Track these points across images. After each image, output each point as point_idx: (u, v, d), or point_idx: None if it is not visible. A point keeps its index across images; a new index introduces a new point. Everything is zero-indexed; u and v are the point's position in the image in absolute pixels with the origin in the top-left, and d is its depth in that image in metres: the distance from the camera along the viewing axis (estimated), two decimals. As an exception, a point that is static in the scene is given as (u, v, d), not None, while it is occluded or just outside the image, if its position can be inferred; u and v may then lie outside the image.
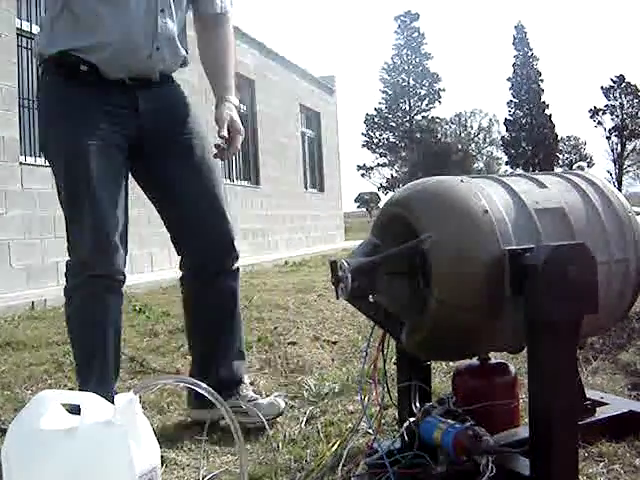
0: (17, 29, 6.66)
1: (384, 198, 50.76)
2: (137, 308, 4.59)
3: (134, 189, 2.21)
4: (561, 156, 55.59)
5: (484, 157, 59.01)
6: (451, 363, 2.48)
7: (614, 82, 52.42)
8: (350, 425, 2.09)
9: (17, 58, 6.61)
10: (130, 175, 2.15)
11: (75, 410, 1.34)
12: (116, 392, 1.98)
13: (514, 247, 1.53)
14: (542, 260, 1.45)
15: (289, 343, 3.40)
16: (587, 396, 1.94)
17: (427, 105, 56.04)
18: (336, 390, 2.55)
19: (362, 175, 58.44)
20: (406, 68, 55.41)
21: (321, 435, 2.05)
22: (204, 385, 1.36)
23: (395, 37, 55.82)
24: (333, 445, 1.88)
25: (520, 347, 1.73)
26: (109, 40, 1.98)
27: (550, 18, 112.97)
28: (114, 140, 2.04)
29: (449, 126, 59.55)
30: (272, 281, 6.81)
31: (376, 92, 56.57)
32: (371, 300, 1.67)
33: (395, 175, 56.16)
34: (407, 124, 56.10)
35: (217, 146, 2.12)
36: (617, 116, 52.34)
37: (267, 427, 2.11)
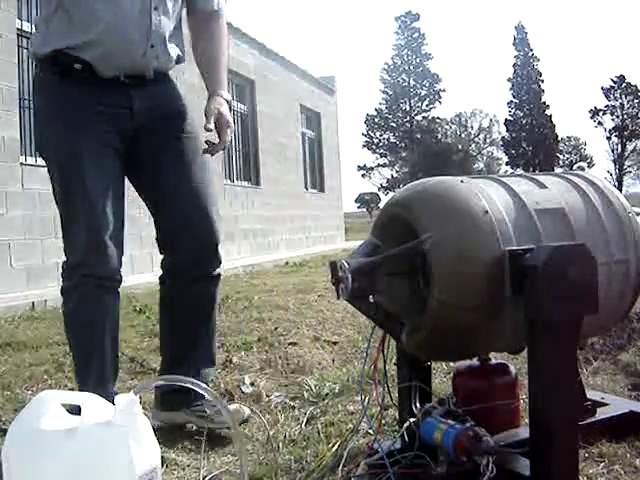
0: (17, 29, 6.66)
1: (384, 198, 50.73)
2: (137, 308, 4.59)
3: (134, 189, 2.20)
4: (561, 156, 55.59)
5: (484, 157, 59.02)
6: (451, 363, 2.48)
7: (614, 82, 52.43)
8: (350, 425, 2.09)
9: (17, 58, 6.61)
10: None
11: (75, 410, 1.34)
12: (116, 392, 1.98)
13: (514, 247, 1.53)
14: (542, 260, 1.45)
15: (289, 343, 3.40)
16: (587, 396, 1.94)
17: (427, 105, 56.08)
18: (336, 390, 2.55)
19: (362, 175, 58.51)
20: (406, 68, 55.43)
21: (321, 435, 2.05)
22: (204, 386, 1.36)
23: (395, 37, 55.91)
24: (333, 445, 1.88)
25: (520, 347, 1.73)
26: (103, 38, 1.97)
27: (550, 18, 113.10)
28: (109, 140, 2.04)
29: (449, 126, 59.58)
30: (272, 281, 6.81)
31: (376, 92, 56.74)
32: (371, 300, 1.67)
33: (395, 175, 56.18)
34: (407, 124, 56.12)
35: (207, 142, 2.12)
36: (617, 116, 52.34)
37: (267, 427, 2.11)
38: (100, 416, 1.32)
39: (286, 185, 13.73)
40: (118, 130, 2.05)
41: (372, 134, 57.09)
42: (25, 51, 6.72)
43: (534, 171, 41.63)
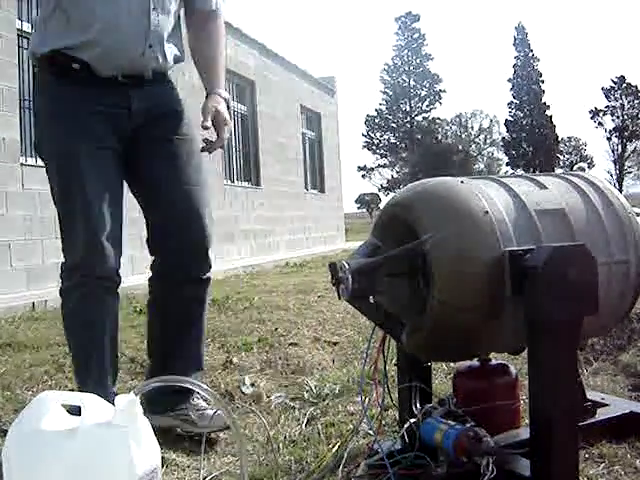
0: (17, 30, 6.66)
1: (385, 199, 50.78)
2: (137, 309, 4.59)
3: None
4: (562, 157, 55.57)
5: (485, 158, 59.01)
6: (452, 364, 2.48)
7: (615, 83, 52.42)
8: (351, 426, 2.09)
9: (17, 59, 6.61)
10: None
11: (75, 411, 1.34)
12: (116, 393, 1.98)
13: (514, 248, 1.53)
14: (542, 261, 1.45)
15: (290, 344, 3.40)
16: (588, 397, 1.94)
17: (428, 106, 56.07)
18: (337, 391, 2.55)
19: (363, 176, 58.51)
20: (407, 69, 55.43)
21: (322, 436, 2.05)
22: (204, 386, 1.36)
23: (396, 38, 55.89)
24: (334, 446, 1.88)
25: (520, 348, 1.73)
26: (101, 38, 1.97)
27: (550, 19, 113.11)
28: (107, 140, 2.03)
29: (450, 127, 59.59)
30: (272, 282, 6.81)
31: (377, 93, 56.78)
32: (372, 301, 1.67)
33: (396, 176, 56.17)
34: (408, 125, 56.12)
35: (204, 140, 2.12)
36: (618, 117, 52.34)
37: (267, 427, 2.11)
38: (100, 416, 1.32)
39: (286, 185, 13.73)
40: (116, 130, 2.05)
41: (372, 135, 57.10)
42: (25, 51, 6.72)
43: (534, 172, 41.65)
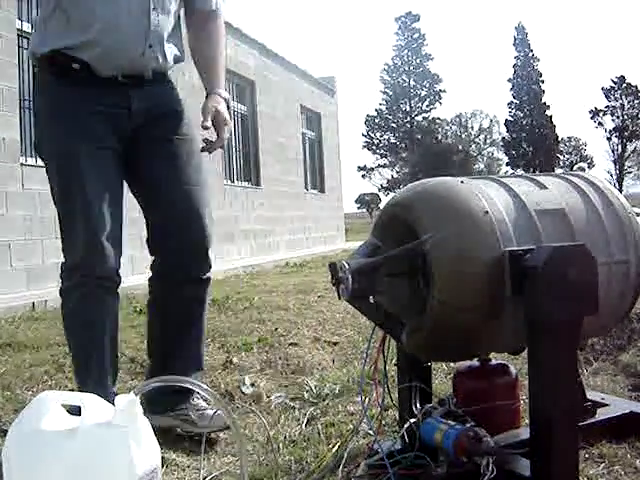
0: (17, 30, 6.66)
1: (385, 199, 50.77)
2: (137, 309, 4.59)
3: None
4: (562, 157, 55.57)
5: (485, 158, 59.01)
6: (452, 364, 2.48)
7: (615, 83, 52.42)
8: (351, 426, 2.09)
9: (17, 59, 6.61)
10: None
11: (75, 411, 1.34)
12: (116, 393, 1.98)
13: (514, 248, 1.53)
14: (542, 261, 1.45)
15: (290, 344, 3.40)
16: (588, 397, 1.94)
17: (428, 106, 56.07)
18: (336, 391, 2.55)
19: (363, 176, 58.51)
20: (407, 69, 55.43)
21: (322, 436, 2.05)
22: (204, 386, 1.36)
23: (396, 38, 55.89)
24: (334, 446, 1.88)
25: (520, 348, 1.73)
26: (101, 38, 1.97)
27: (550, 19, 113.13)
28: (107, 140, 2.03)
29: (450, 127, 59.59)
30: (273, 282, 6.81)
31: (377, 93, 56.77)
32: (372, 301, 1.67)
33: (396, 176, 56.17)
34: (408, 125, 56.13)
35: (204, 140, 2.12)
36: (618, 117, 52.33)
37: (267, 427, 2.11)
38: (100, 416, 1.32)
39: (286, 185, 13.73)
40: (116, 130, 2.05)
41: (372, 135, 57.11)
42: (25, 51, 6.72)
43: (534, 172, 41.64)
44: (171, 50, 2.13)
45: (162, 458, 1.56)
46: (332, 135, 17.45)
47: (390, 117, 56.50)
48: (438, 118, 57.11)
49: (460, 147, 56.03)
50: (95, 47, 1.98)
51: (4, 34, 6.47)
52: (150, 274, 2.23)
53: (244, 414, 2.36)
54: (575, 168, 50.49)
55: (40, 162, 2.17)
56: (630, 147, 52.81)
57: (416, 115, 56.24)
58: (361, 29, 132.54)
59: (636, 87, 51.53)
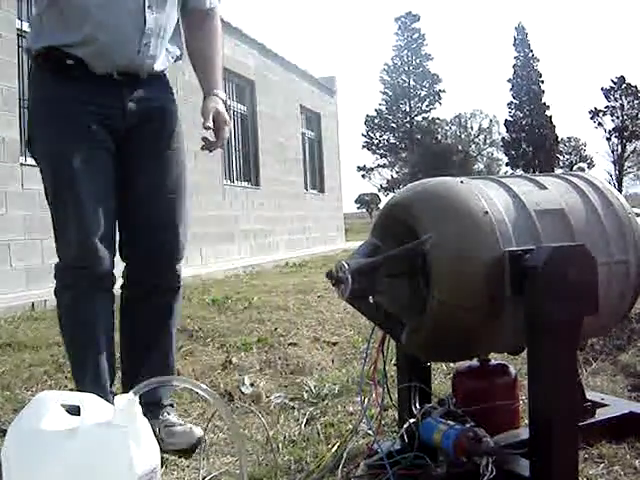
0: (17, 29, 6.66)
1: (384, 199, 50.68)
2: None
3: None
4: (561, 157, 55.57)
5: (484, 158, 58.98)
6: (451, 364, 2.48)
7: (614, 83, 52.40)
8: (350, 426, 2.09)
9: (17, 59, 6.61)
10: None
11: (75, 411, 1.34)
12: (115, 393, 1.98)
13: (514, 248, 1.53)
14: (542, 261, 1.45)
15: (289, 344, 3.40)
16: (587, 397, 1.94)
17: (427, 106, 56.06)
18: (336, 391, 2.55)
19: (362, 176, 58.48)
20: (406, 69, 55.43)
21: (321, 436, 2.05)
22: (204, 386, 1.36)
23: (395, 38, 55.86)
24: (333, 446, 1.88)
25: (520, 348, 1.73)
26: (96, 35, 1.95)
27: (550, 19, 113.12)
28: (101, 140, 2.01)
29: (449, 127, 59.57)
30: (272, 282, 6.81)
31: (376, 93, 56.74)
32: (371, 301, 1.67)
33: (395, 176, 56.16)
34: (407, 125, 56.12)
35: (204, 139, 2.10)
36: (617, 117, 52.31)
37: (267, 427, 2.11)
38: (100, 416, 1.32)
39: (286, 185, 13.73)
40: (110, 129, 2.03)
41: (372, 135, 57.09)
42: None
43: (534, 172, 41.64)
44: (169, 49, 2.12)
45: (162, 458, 1.56)
46: (332, 135, 17.46)
47: (390, 117, 56.50)
48: (438, 118, 57.12)
49: (460, 147, 56.02)
50: (90, 44, 1.96)
51: (4, 34, 6.47)
52: (122, 281, 2.19)
53: (244, 414, 2.36)
54: (575, 168, 50.56)
55: (39, 162, 2.16)
56: (630, 147, 52.82)
57: (416, 115, 56.24)
58: (361, 29, 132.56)
59: (636, 87, 51.53)
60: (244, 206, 11.70)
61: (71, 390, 2.47)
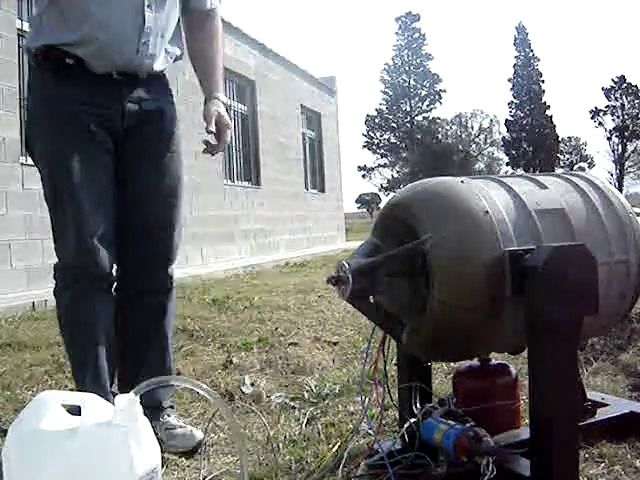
0: (17, 29, 6.66)
1: (385, 199, 50.74)
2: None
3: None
4: (562, 157, 55.54)
5: (485, 158, 58.95)
6: (452, 364, 2.48)
7: (615, 83, 52.36)
8: (351, 426, 2.09)
9: (18, 59, 6.61)
10: None
11: (75, 411, 1.34)
12: (115, 393, 1.98)
13: (514, 248, 1.53)
14: (542, 261, 1.45)
15: (290, 344, 3.41)
16: (588, 397, 1.94)
17: (428, 106, 56.04)
18: (337, 391, 2.55)
19: (363, 176, 58.47)
20: (407, 69, 55.41)
21: (322, 436, 2.05)
22: (204, 386, 1.36)
23: (396, 38, 55.84)
24: (334, 446, 1.88)
25: (521, 348, 1.73)
26: (95, 34, 1.95)
27: (551, 19, 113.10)
28: (99, 139, 2.01)
29: (450, 127, 59.53)
30: (273, 282, 6.82)
31: (377, 93, 56.73)
32: (372, 301, 1.67)
33: (396, 176, 56.13)
34: (408, 125, 56.10)
35: (206, 142, 2.10)
36: (618, 117, 52.27)
37: (267, 427, 2.11)
38: (100, 416, 1.32)
39: (286, 185, 13.74)
40: (109, 129, 2.03)
41: (372, 134, 57.07)
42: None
43: (534, 171, 41.61)
44: (168, 49, 2.11)
45: (162, 457, 1.56)
46: (332, 135, 17.46)
47: (390, 117, 56.48)
48: (438, 118, 57.08)
49: (460, 147, 56.00)
50: (89, 43, 1.96)
51: (4, 34, 6.47)
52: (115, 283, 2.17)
53: (244, 414, 2.36)
54: (575, 168, 50.52)
55: (40, 162, 2.15)
56: (630, 147, 52.78)
57: (416, 115, 56.22)
58: (361, 29, 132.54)
59: (636, 87, 51.49)
60: (244, 206, 11.70)
61: (72, 390, 2.47)
